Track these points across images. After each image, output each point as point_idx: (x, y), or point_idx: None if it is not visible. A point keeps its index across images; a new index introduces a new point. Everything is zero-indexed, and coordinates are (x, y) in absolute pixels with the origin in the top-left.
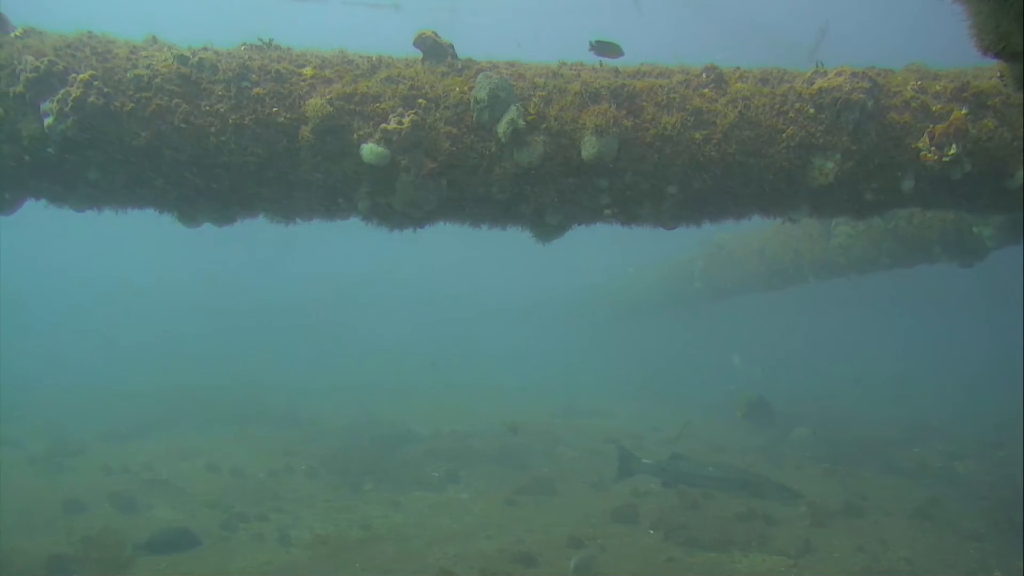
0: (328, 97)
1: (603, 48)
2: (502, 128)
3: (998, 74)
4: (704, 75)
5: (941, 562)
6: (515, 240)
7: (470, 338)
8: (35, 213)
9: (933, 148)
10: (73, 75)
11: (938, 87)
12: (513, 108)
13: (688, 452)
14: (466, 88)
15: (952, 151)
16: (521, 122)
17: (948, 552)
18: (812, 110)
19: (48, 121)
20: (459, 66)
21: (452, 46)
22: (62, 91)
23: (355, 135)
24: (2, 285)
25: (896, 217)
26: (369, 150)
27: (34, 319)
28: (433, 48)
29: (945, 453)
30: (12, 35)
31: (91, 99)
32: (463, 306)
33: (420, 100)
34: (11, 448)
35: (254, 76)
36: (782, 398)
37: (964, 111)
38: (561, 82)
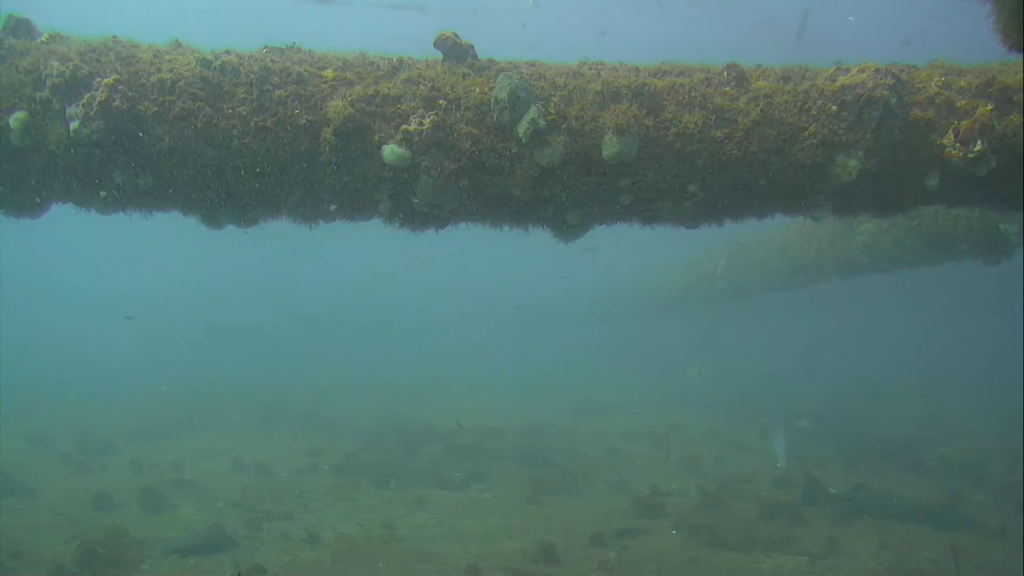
0: (349, 99)
1: None
2: (522, 128)
3: None
4: (725, 73)
5: (967, 562)
6: (532, 238)
7: (488, 339)
8: (63, 220)
9: (958, 144)
10: (98, 79)
11: (963, 83)
12: (533, 108)
13: (711, 451)
14: (486, 88)
15: (977, 147)
16: (541, 122)
17: (974, 552)
18: (835, 107)
19: (74, 125)
20: (479, 66)
21: (472, 47)
22: (87, 95)
23: (376, 136)
24: (34, 291)
25: (920, 215)
26: (390, 151)
27: (63, 325)
28: (453, 49)
29: (970, 452)
30: (38, 41)
31: (116, 103)
32: (480, 305)
33: (440, 101)
34: (43, 448)
35: (276, 79)
36: (800, 396)
37: (989, 107)
38: (581, 82)
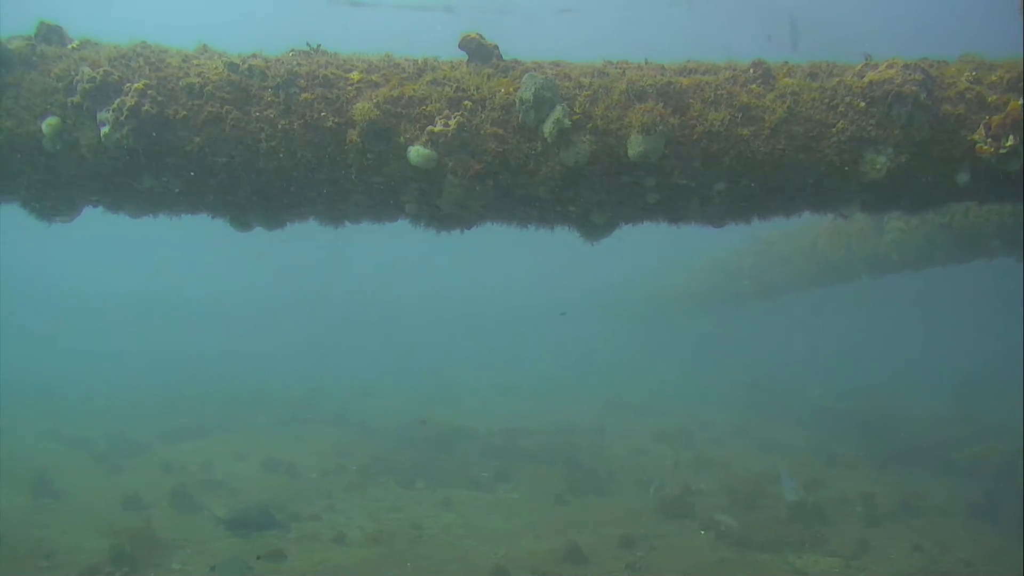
0: (375, 101)
1: None
2: (548, 128)
3: None
4: (751, 71)
5: (1002, 564)
6: (555, 238)
7: (515, 339)
8: (92, 224)
9: (989, 140)
10: (128, 85)
11: (994, 77)
12: (558, 108)
13: (738, 451)
14: (511, 89)
15: (1009, 142)
16: (567, 122)
17: (1009, 553)
18: (863, 104)
19: (105, 130)
20: (504, 67)
21: (497, 47)
22: (117, 100)
23: (402, 138)
24: (68, 295)
25: (951, 211)
26: (416, 152)
27: (92, 329)
28: (478, 50)
29: (1004, 452)
30: (69, 47)
31: (145, 107)
32: (507, 305)
33: (466, 102)
34: (75, 449)
35: (302, 81)
36: (826, 394)
37: (1021, 101)
38: (607, 81)
